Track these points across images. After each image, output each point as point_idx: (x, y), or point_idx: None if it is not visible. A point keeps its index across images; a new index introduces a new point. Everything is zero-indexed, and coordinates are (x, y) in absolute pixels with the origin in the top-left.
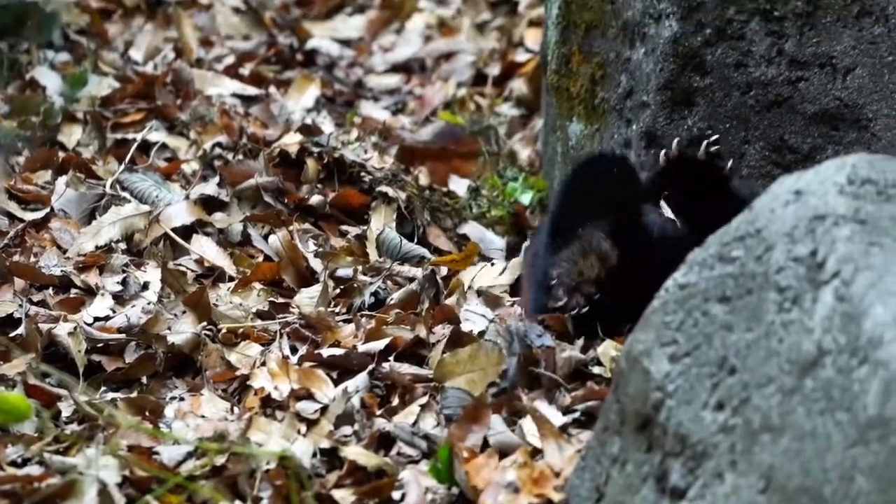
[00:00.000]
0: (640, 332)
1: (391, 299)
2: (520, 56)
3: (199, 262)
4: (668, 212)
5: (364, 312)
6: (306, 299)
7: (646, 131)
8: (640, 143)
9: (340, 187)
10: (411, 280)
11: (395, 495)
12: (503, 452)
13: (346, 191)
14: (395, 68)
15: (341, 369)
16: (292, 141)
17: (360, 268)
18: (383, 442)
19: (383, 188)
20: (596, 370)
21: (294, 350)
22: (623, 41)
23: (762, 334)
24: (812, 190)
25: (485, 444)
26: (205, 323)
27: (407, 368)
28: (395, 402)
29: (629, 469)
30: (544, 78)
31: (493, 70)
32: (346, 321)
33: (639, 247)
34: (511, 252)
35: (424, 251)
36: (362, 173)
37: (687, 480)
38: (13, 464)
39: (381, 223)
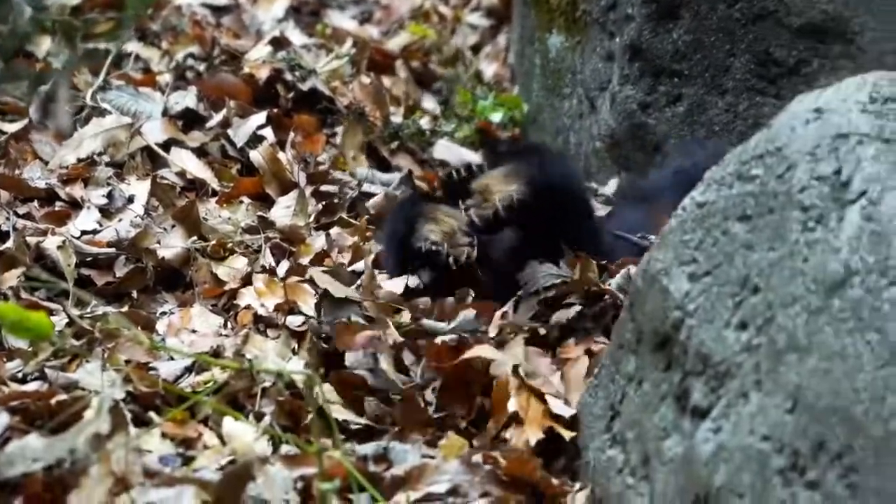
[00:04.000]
0: (657, 251)
1: (369, 206)
2: None
3: (181, 174)
4: None
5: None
6: (282, 210)
7: (630, 44)
8: (624, 56)
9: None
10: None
11: None
12: None
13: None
14: None
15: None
16: (262, 55)
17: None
18: None
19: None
20: None
21: (277, 263)
22: None
23: (786, 253)
24: (833, 108)
25: None
26: (195, 237)
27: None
28: None
29: (646, 388)
30: None
31: None
32: (322, 228)
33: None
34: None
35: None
36: (330, 105)
37: (710, 400)
38: (14, 379)
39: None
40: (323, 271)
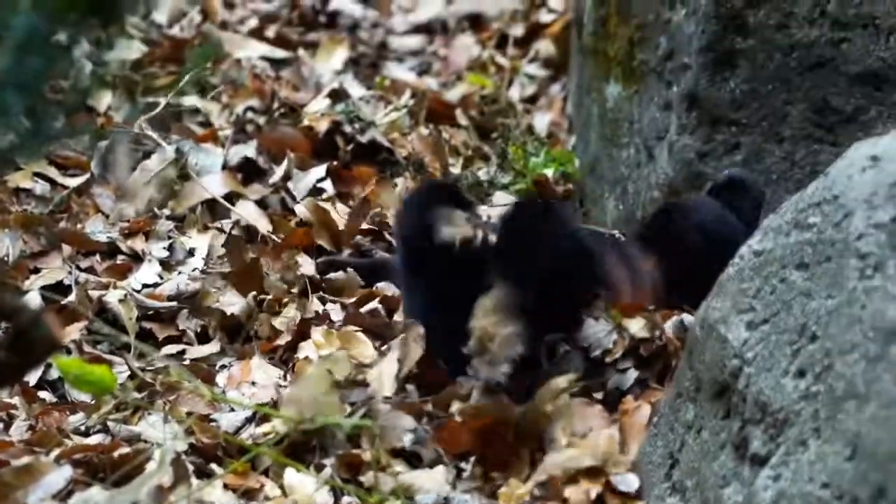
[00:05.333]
0: (715, 300)
1: None
2: (544, 17)
3: (238, 225)
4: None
5: None
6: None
7: (688, 93)
8: (682, 105)
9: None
10: None
11: None
12: None
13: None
14: (417, 29)
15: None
16: (321, 107)
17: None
18: None
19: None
20: None
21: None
22: (663, 3)
23: (844, 301)
24: (890, 156)
25: None
26: (254, 293)
27: None
28: None
29: (705, 436)
30: (578, 40)
31: (517, 31)
32: None
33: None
34: None
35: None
36: (389, 157)
37: (769, 448)
38: (77, 432)
39: None
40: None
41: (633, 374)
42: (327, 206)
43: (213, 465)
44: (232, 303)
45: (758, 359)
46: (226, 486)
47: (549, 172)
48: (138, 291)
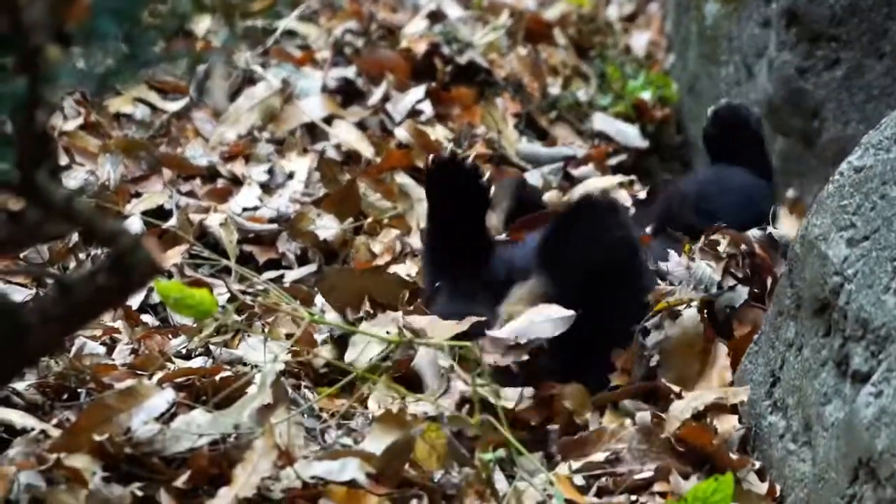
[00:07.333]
0: (815, 217)
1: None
2: None
3: (338, 148)
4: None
5: None
6: None
7: (787, 10)
8: (781, 21)
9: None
10: None
11: None
12: None
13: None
14: None
15: None
16: (419, 28)
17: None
18: None
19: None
20: None
21: None
22: None
23: None
24: None
25: None
26: (351, 219)
27: None
28: None
29: (806, 353)
30: None
31: None
32: None
33: None
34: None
35: (569, 150)
36: (487, 78)
37: (870, 364)
38: (179, 356)
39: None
40: None
41: (743, 291)
42: (426, 127)
43: (306, 390)
44: (327, 227)
45: (858, 275)
46: (322, 409)
47: (647, 96)
48: (239, 215)
